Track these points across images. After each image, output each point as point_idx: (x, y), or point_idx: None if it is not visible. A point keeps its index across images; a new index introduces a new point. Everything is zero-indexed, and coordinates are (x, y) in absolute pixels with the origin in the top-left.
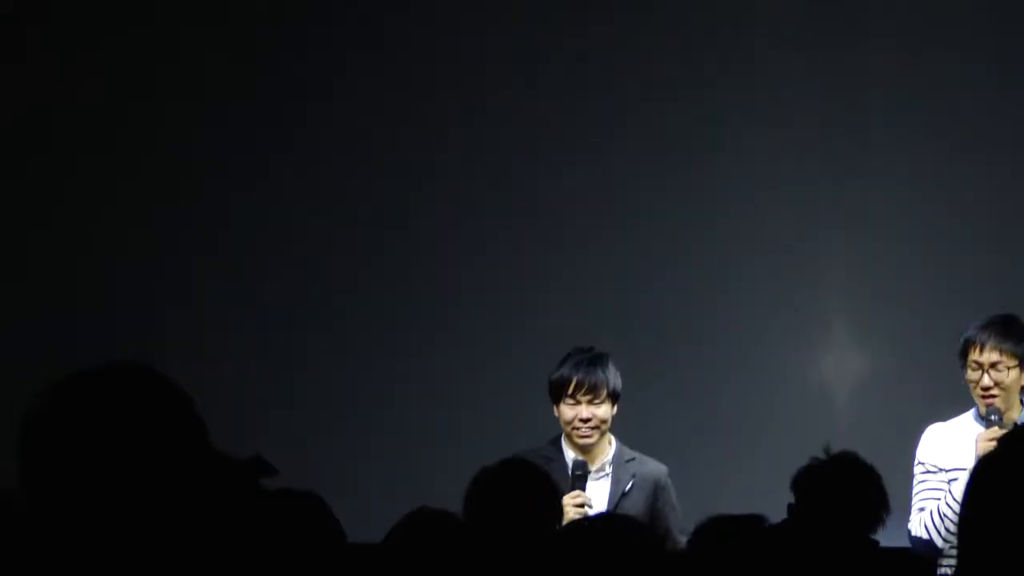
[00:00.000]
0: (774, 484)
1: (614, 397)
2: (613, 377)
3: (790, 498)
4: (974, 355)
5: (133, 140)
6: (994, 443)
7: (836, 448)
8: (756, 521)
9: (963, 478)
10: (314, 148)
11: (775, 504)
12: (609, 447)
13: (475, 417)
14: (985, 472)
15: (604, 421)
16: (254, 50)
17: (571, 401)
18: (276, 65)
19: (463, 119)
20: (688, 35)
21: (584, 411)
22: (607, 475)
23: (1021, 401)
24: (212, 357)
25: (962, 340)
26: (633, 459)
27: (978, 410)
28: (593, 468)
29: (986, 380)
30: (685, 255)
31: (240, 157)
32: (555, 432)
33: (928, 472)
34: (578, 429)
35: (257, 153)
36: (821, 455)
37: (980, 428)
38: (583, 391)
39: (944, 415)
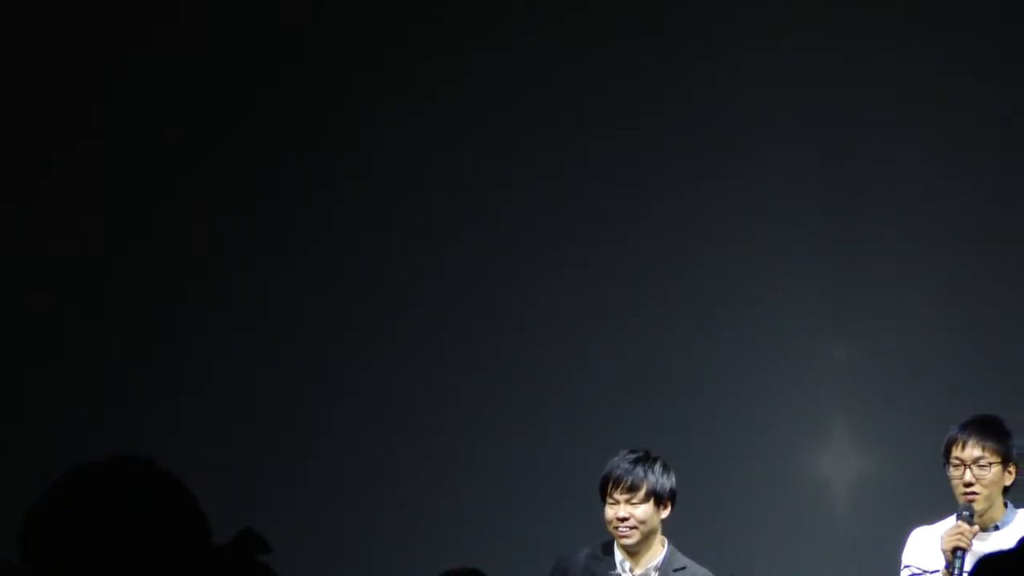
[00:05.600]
0: None
1: (658, 498)
2: (657, 477)
3: None
4: (956, 452)
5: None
6: (957, 538)
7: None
8: None
9: None
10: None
11: None
12: (661, 550)
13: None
14: None
15: (643, 521)
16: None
17: (611, 500)
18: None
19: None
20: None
21: (621, 510)
22: None
23: (1004, 503)
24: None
25: (945, 441)
26: (684, 568)
27: (960, 511)
28: (637, 572)
29: (968, 476)
30: (686, 357)
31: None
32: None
33: (913, 575)
34: (616, 528)
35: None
36: None
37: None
38: (620, 489)
39: (936, 516)
